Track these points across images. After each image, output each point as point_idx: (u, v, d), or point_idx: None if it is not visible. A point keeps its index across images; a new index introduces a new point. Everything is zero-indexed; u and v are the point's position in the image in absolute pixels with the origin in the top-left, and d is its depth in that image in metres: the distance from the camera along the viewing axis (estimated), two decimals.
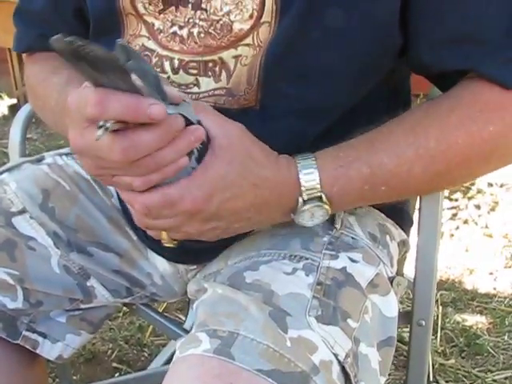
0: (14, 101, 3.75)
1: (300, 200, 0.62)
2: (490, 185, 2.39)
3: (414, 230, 0.88)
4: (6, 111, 3.71)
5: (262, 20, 0.65)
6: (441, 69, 0.66)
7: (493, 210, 2.24)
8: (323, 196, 0.62)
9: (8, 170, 0.88)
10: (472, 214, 2.21)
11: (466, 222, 2.18)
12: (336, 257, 0.67)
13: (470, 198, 2.31)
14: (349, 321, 0.61)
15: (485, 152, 0.65)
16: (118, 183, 0.58)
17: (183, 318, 1.61)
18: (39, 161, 0.90)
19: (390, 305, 0.69)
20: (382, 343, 0.67)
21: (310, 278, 0.63)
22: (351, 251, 0.69)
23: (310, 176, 0.62)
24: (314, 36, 0.64)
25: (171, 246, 0.66)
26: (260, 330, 0.56)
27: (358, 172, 0.62)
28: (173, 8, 0.68)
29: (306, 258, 0.66)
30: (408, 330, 0.89)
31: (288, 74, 0.65)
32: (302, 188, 0.61)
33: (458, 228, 2.12)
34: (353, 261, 0.67)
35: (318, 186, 0.62)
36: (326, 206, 0.63)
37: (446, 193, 2.20)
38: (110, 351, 1.58)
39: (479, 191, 2.36)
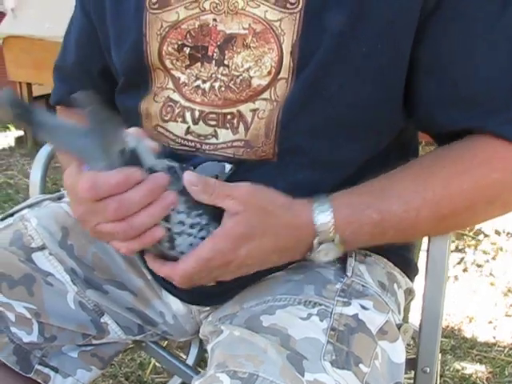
0: (21, 133, 3.81)
1: (315, 242, 0.66)
2: (498, 233, 2.42)
3: (418, 278, 0.91)
4: (12, 142, 3.77)
5: (279, 76, 0.69)
6: (453, 128, 0.70)
7: (495, 257, 2.27)
8: (336, 238, 0.66)
9: (29, 206, 0.91)
10: (476, 261, 2.23)
11: (466, 270, 2.19)
12: (348, 304, 0.69)
13: (475, 246, 2.33)
14: (361, 366, 0.63)
15: (489, 197, 0.69)
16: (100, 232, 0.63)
17: (184, 356, 1.62)
18: (59, 198, 0.93)
19: (397, 351, 0.71)
20: None
21: (324, 323, 0.66)
22: (362, 298, 0.71)
23: (325, 219, 0.66)
24: (329, 92, 0.68)
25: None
26: (278, 372, 0.58)
27: (369, 218, 0.66)
28: (198, 64, 0.73)
29: (320, 304, 0.68)
30: (410, 377, 0.91)
31: (304, 128, 0.69)
32: (318, 231, 0.65)
33: (459, 274, 2.14)
34: (364, 308, 0.70)
35: (333, 230, 0.66)
36: (339, 247, 0.67)
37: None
38: None
39: (485, 237, 2.39)
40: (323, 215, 0.65)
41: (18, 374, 0.82)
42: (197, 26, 0.72)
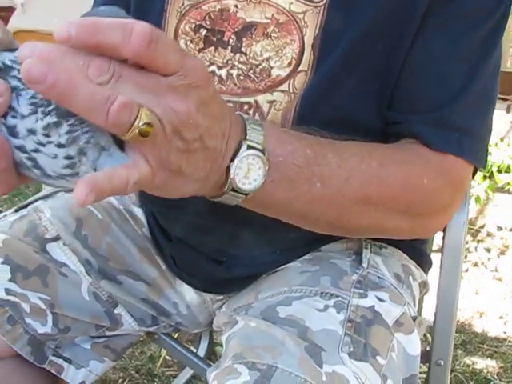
0: None
1: (245, 144, 0.54)
2: (500, 228, 2.42)
3: (431, 271, 0.90)
4: None
5: (299, 68, 0.68)
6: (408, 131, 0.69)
7: (502, 253, 2.26)
8: (265, 151, 0.55)
9: (43, 197, 0.91)
10: (482, 257, 2.22)
11: (475, 264, 2.19)
12: (365, 295, 0.69)
13: (479, 241, 2.33)
14: (378, 358, 0.63)
15: (414, 196, 0.66)
16: None
17: (193, 350, 1.62)
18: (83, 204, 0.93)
19: (413, 343, 0.71)
20: (406, 381, 0.69)
21: (341, 315, 0.66)
22: (378, 290, 0.71)
23: (256, 127, 0.55)
24: (348, 86, 0.68)
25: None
26: (297, 363, 0.57)
27: (302, 150, 0.59)
28: (212, 48, 0.72)
29: (337, 296, 0.68)
30: (423, 370, 0.91)
31: (321, 121, 0.68)
32: (248, 136, 0.54)
33: (467, 270, 2.14)
34: (380, 300, 0.70)
35: (263, 140, 0.55)
36: (264, 166, 0.55)
37: None
38: (120, 380, 1.58)
39: (489, 234, 2.38)
40: (254, 124, 0.55)
41: (32, 364, 0.83)
42: (217, 10, 0.71)
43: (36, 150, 0.45)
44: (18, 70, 0.45)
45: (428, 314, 0.95)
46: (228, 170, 0.53)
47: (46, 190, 0.96)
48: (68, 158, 0.46)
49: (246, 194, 0.55)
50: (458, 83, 0.66)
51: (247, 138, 0.54)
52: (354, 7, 0.66)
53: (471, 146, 0.68)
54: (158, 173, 0.47)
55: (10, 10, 4.20)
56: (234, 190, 0.54)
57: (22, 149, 0.46)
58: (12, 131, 0.45)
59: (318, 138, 0.62)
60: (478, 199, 2.52)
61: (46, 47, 0.41)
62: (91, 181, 0.43)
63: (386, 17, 0.66)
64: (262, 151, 0.54)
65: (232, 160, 0.53)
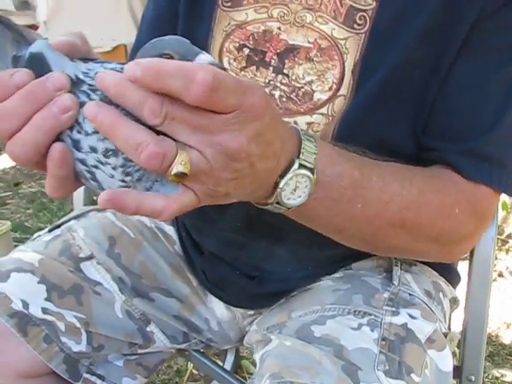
0: None
1: (296, 162, 0.56)
2: None
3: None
4: None
5: (339, 93, 0.70)
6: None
7: None
8: (315, 172, 0.57)
9: (75, 217, 0.93)
10: (509, 267, 2.20)
11: (501, 274, 2.17)
12: (397, 313, 0.70)
13: (507, 251, 2.30)
14: (412, 375, 0.63)
15: (446, 224, 0.68)
16: None
17: (220, 363, 1.63)
18: (105, 209, 0.95)
19: (445, 360, 0.71)
20: None
21: (375, 333, 0.66)
22: (410, 307, 0.72)
23: (310, 145, 0.57)
24: (384, 111, 0.69)
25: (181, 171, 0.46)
26: (335, 383, 0.58)
27: (350, 171, 0.61)
28: (253, 67, 0.74)
29: (370, 314, 0.69)
30: None
31: (357, 144, 0.69)
32: (301, 154, 0.56)
33: (494, 280, 2.12)
34: (412, 317, 0.70)
35: (314, 159, 0.57)
36: (312, 185, 0.57)
37: None
38: None
39: None
40: (309, 142, 0.57)
41: (67, 381, 0.84)
42: (261, 31, 0.73)
43: (96, 166, 0.48)
44: (89, 85, 0.48)
45: (456, 326, 0.95)
46: (276, 184, 0.55)
47: (77, 209, 0.98)
48: (123, 181, 0.49)
49: (289, 208, 0.57)
50: (491, 115, 0.68)
51: (300, 156, 0.56)
52: (393, 36, 0.68)
53: (502, 176, 0.69)
54: (204, 200, 0.49)
55: (33, 27, 4.29)
56: (278, 203, 0.56)
57: (83, 162, 0.49)
58: (76, 145, 0.48)
59: (365, 160, 0.64)
60: (504, 205, 2.50)
61: (114, 78, 0.45)
62: (116, 196, 0.47)
63: (424, 46, 0.67)
64: (312, 170, 0.56)
65: (282, 176, 0.55)
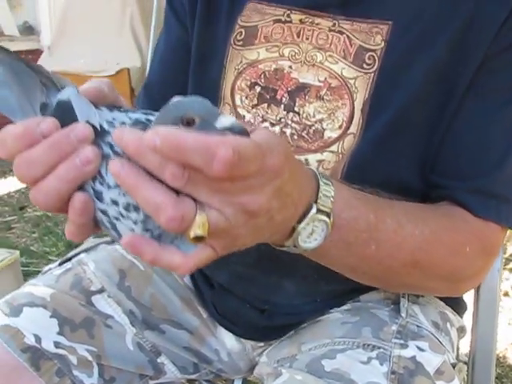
0: None
1: (314, 207, 0.57)
2: None
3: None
4: None
5: (349, 131, 0.72)
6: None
7: None
8: (331, 216, 0.58)
9: (85, 250, 0.94)
10: None
11: (506, 294, 2.17)
12: (405, 346, 0.71)
13: (510, 270, 2.31)
14: None
15: (457, 262, 0.69)
16: None
17: None
18: (114, 241, 0.96)
19: None
20: None
21: (384, 367, 0.67)
22: (418, 340, 0.73)
23: (327, 188, 0.58)
24: (393, 149, 0.71)
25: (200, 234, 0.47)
26: None
27: (366, 215, 0.62)
28: (265, 105, 0.76)
29: (379, 347, 0.70)
30: None
31: (366, 181, 0.71)
32: (319, 199, 0.57)
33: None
34: (420, 349, 0.71)
35: (331, 203, 0.58)
36: (327, 230, 0.58)
37: None
38: None
39: None
40: (326, 186, 0.58)
41: None
42: (272, 69, 0.75)
43: (116, 219, 0.49)
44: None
45: (463, 349, 0.95)
46: (293, 229, 0.56)
47: (87, 242, 0.99)
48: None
49: (305, 250, 0.59)
50: (497, 153, 0.70)
51: (318, 201, 0.57)
52: (401, 75, 0.69)
53: (510, 213, 0.71)
54: (222, 252, 0.50)
55: (37, 52, 4.35)
56: (294, 245, 0.58)
57: (104, 212, 0.49)
58: (98, 196, 0.49)
59: (380, 201, 0.66)
60: None
61: (135, 139, 0.45)
62: (137, 243, 0.48)
63: (431, 86, 0.69)
64: (329, 214, 0.57)
65: (299, 222, 0.56)
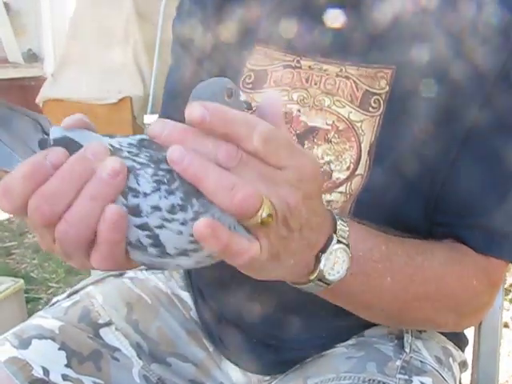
0: None
1: (334, 238, 0.59)
2: None
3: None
4: None
5: (356, 172, 0.74)
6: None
7: None
8: (350, 247, 0.60)
9: (93, 283, 0.96)
10: None
11: (506, 325, 2.17)
12: (410, 381, 0.72)
13: (510, 301, 2.31)
14: None
15: (465, 295, 0.72)
16: None
17: None
18: (121, 274, 0.98)
19: None
20: None
21: None
22: (422, 375, 0.74)
23: (343, 223, 0.61)
24: (398, 188, 0.73)
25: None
26: None
27: (379, 247, 0.66)
28: None
29: (384, 383, 0.71)
30: None
31: (372, 219, 0.73)
32: (338, 231, 0.59)
33: None
34: None
35: (347, 234, 0.60)
36: (348, 260, 0.60)
37: None
38: None
39: None
40: (340, 220, 0.60)
41: None
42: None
43: (160, 226, 0.46)
44: (128, 152, 0.48)
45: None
46: (317, 260, 0.58)
47: (95, 275, 1.01)
48: (192, 236, 0.46)
49: (329, 284, 0.60)
50: (498, 192, 0.72)
51: (337, 233, 0.59)
52: (405, 118, 0.72)
53: (511, 247, 0.73)
54: (263, 254, 0.51)
55: (40, 79, 4.40)
56: (319, 279, 0.59)
57: (143, 227, 0.46)
58: (134, 210, 0.46)
59: (389, 235, 0.68)
60: None
61: (176, 127, 0.46)
62: (214, 225, 0.45)
63: (435, 128, 0.72)
64: (348, 246, 0.59)
65: (323, 252, 0.58)
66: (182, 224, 0.46)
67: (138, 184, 0.46)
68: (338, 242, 0.58)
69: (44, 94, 4.00)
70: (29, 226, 0.50)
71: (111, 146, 0.48)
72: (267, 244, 0.50)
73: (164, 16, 3.49)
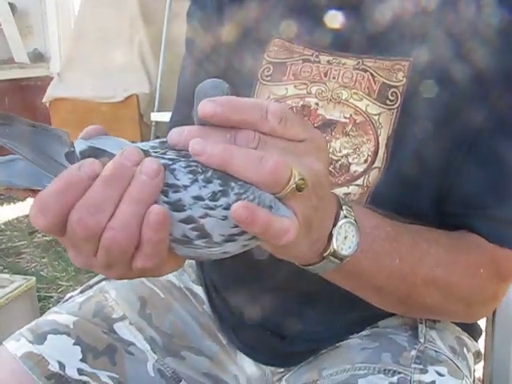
0: None
1: (342, 213, 0.59)
2: None
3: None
4: None
5: (374, 165, 0.74)
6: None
7: None
8: (357, 222, 0.60)
9: (106, 278, 0.96)
10: None
11: None
12: (425, 371, 0.72)
13: None
14: None
15: (473, 283, 0.72)
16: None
17: None
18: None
19: None
20: None
21: None
22: (437, 365, 0.74)
23: (345, 200, 0.61)
24: (414, 181, 0.74)
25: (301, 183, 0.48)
26: None
27: (384, 226, 0.66)
28: None
29: (399, 372, 0.71)
30: None
31: (388, 211, 0.73)
32: (343, 208, 0.59)
33: None
34: (440, 374, 0.73)
35: (353, 212, 0.60)
36: (358, 229, 0.60)
37: None
38: None
39: None
40: (343, 200, 0.60)
41: None
42: (300, 105, 0.78)
43: (204, 216, 0.47)
44: (155, 152, 0.49)
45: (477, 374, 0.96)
46: (330, 236, 0.58)
47: None
48: None
49: (341, 260, 0.59)
50: (509, 184, 0.72)
51: (343, 208, 0.59)
52: (422, 110, 0.72)
53: None
54: (301, 228, 0.51)
55: (46, 79, 4.41)
56: (332, 255, 0.59)
57: (188, 220, 0.47)
58: (176, 205, 0.47)
59: (394, 220, 0.69)
60: None
61: (192, 129, 0.49)
62: (251, 207, 0.46)
63: (451, 120, 0.72)
64: (355, 221, 0.59)
65: (334, 226, 0.58)
66: (225, 209, 0.47)
67: (177, 179, 0.47)
68: (345, 216, 0.59)
69: (50, 94, 4.02)
70: (63, 244, 0.50)
71: (140, 149, 0.49)
72: (304, 216, 0.51)
73: (169, 15, 3.50)
